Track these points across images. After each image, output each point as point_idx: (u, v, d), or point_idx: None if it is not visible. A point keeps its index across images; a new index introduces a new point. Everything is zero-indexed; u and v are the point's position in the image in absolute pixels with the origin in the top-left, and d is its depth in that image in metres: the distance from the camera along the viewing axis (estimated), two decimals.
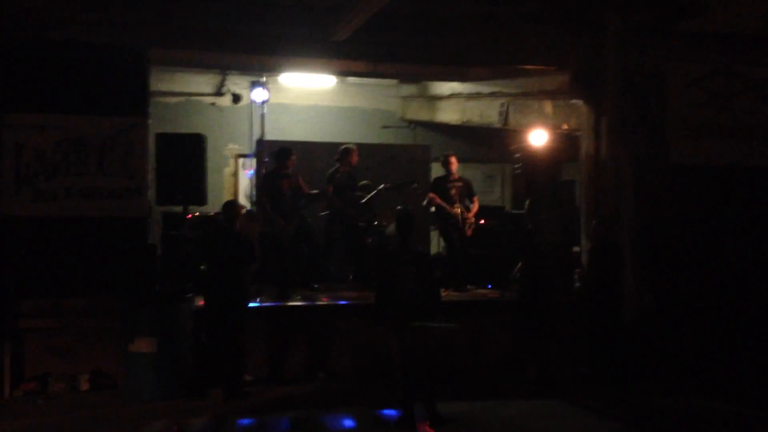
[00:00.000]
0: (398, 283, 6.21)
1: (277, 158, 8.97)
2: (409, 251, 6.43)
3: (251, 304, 7.86)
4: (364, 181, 9.84)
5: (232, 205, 7.45)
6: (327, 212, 9.57)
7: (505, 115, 10.44)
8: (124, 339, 7.09)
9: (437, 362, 6.85)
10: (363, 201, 9.37)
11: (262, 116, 11.83)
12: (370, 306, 6.76)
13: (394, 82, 13.02)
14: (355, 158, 9.43)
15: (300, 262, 9.04)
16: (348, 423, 6.37)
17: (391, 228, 9.49)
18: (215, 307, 6.99)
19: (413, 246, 6.57)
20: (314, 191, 9.33)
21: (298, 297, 8.52)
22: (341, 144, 9.88)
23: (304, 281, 9.07)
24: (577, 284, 8.86)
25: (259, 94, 11.49)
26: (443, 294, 7.59)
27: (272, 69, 10.51)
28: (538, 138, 9.68)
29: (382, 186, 9.39)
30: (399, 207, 9.06)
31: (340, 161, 9.40)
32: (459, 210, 9.05)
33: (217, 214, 9.33)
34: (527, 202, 7.89)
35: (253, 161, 11.25)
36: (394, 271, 6.26)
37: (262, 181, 9.35)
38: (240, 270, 7.02)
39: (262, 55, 8.84)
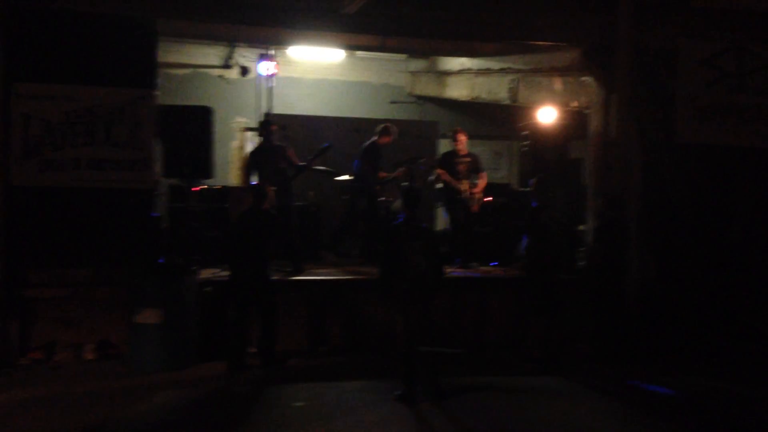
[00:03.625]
0: (404, 258, 6.23)
1: (260, 131, 8.91)
2: (415, 226, 6.44)
3: None
4: None
5: (260, 190, 7.61)
6: (352, 185, 9.53)
7: (514, 92, 10.37)
8: (130, 310, 7.14)
9: (440, 338, 6.88)
10: (388, 178, 9.35)
11: (270, 89, 11.81)
12: (373, 281, 6.78)
13: (402, 57, 12.94)
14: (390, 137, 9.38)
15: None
16: (349, 396, 6.42)
17: (397, 203, 9.50)
18: (240, 281, 7.24)
19: (420, 221, 6.57)
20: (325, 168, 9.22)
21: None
22: (349, 118, 9.83)
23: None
24: (582, 262, 8.86)
25: (266, 67, 11.45)
26: (447, 270, 7.62)
27: (280, 42, 10.44)
28: (547, 115, 9.61)
29: (404, 165, 9.37)
30: (405, 183, 9.12)
31: (381, 136, 9.33)
32: (466, 186, 9.02)
33: (222, 188, 9.38)
34: (535, 180, 7.85)
35: None
36: (400, 246, 6.27)
37: (248, 157, 9.19)
38: (265, 246, 7.26)
39: (270, 27, 8.78)
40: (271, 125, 8.78)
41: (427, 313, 6.30)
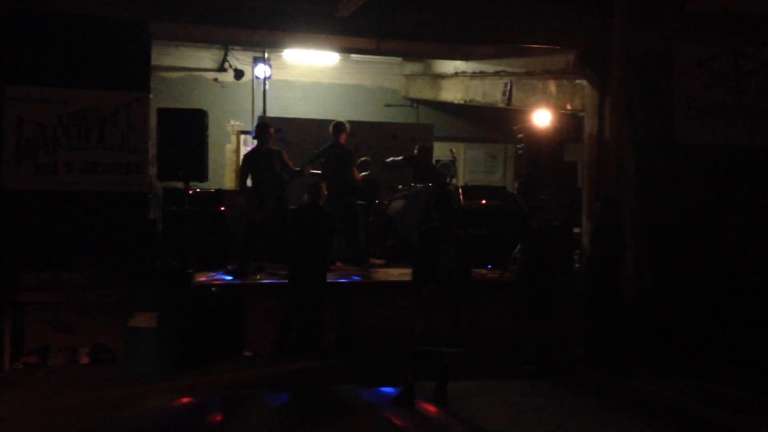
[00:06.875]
0: (437, 262, 6.24)
1: (256, 134, 8.89)
2: (450, 231, 6.46)
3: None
4: (363, 158, 9.81)
5: (316, 187, 7.82)
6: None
7: (508, 95, 10.38)
8: (124, 313, 7.11)
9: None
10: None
11: (265, 92, 11.82)
12: (373, 285, 6.75)
13: (397, 60, 12.96)
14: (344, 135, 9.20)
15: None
16: (346, 398, 6.39)
17: (394, 206, 9.49)
18: (299, 276, 7.56)
19: (455, 226, 6.61)
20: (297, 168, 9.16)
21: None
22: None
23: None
24: (577, 265, 8.86)
25: (261, 70, 11.45)
26: None
27: (275, 45, 10.45)
28: (542, 118, 9.62)
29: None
30: (399, 186, 9.05)
31: (334, 135, 9.20)
32: None
33: (216, 190, 9.38)
34: (516, 183, 7.86)
35: None
36: (434, 250, 6.28)
37: (243, 160, 9.17)
38: (324, 243, 7.60)
39: (265, 30, 8.75)
40: (268, 128, 8.78)
41: (456, 317, 6.32)
